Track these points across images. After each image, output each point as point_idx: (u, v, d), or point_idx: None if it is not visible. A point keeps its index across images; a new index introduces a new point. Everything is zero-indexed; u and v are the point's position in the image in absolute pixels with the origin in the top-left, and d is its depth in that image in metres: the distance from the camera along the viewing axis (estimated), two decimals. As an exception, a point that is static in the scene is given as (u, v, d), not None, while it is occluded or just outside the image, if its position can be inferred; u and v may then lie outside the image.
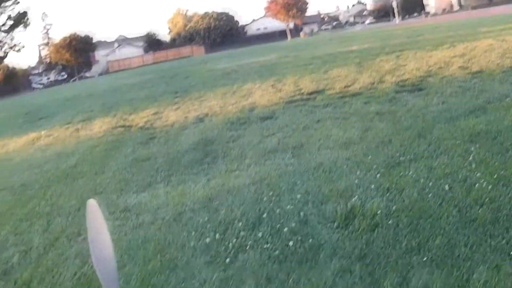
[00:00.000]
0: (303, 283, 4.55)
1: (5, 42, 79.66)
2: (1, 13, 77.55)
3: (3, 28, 78.43)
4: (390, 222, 5.21)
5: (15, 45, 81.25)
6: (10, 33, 79.74)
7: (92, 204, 1.86)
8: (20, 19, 79.79)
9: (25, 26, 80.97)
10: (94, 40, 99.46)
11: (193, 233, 6.04)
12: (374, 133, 8.88)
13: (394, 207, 5.52)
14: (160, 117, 16.21)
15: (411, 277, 4.26)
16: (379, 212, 5.46)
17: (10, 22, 79.15)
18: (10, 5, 78.57)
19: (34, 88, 73.48)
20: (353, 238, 5.11)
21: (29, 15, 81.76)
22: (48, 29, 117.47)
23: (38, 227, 7.58)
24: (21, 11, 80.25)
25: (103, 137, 14.77)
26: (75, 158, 12.53)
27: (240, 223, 6.02)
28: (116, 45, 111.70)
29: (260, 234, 5.62)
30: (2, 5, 76.92)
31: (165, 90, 24.49)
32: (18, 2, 79.34)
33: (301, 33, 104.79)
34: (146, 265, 5.46)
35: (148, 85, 29.63)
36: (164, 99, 20.49)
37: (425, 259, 4.47)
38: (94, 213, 1.87)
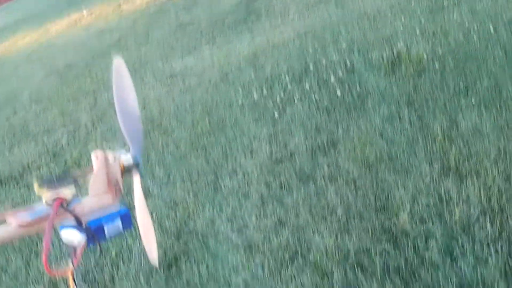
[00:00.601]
0: (353, 131, 4.57)
1: None
2: None
3: None
4: (436, 66, 5.11)
5: None
6: None
7: (118, 63, 1.84)
8: None
9: None
10: None
11: (241, 91, 6.07)
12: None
13: (440, 51, 5.39)
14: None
15: (460, 120, 4.22)
16: (425, 56, 5.35)
17: None
18: None
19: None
20: (401, 83, 5.05)
21: None
22: None
23: (85, 105, 7.72)
24: None
25: (145, 9, 14.64)
26: (119, 33, 12.53)
27: (287, 77, 6.01)
28: None
29: (307, 86, 5.61)
30: None
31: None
32: None
33: None
34: (195, 128, 5.54)
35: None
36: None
37: (473, 101, 4.40)
38: (120, 71, 1.86)
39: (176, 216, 4.28)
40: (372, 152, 4.18)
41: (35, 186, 1.64)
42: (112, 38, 12.08)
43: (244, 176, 4.48)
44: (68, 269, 1.60)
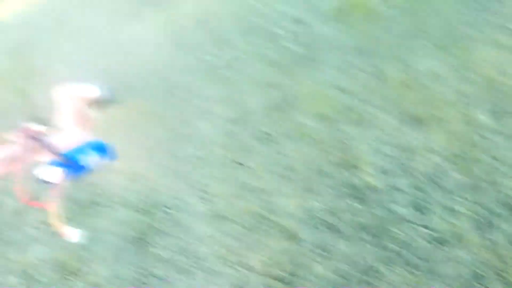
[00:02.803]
0: (306, 84, 4.49)
1: None
2: None
3: None
4: (384, 8, 5.03)
5: None
6: None
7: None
8: None
9: None
10: None
11: (190, 52, 5.91)
12: None
13: (387, -8, 5.31)
14: None
15: (414, 64, 4.17)
16: (372, -1, 5.27)
17: None
18: None
19: None
20: (350, 30, 4.96)
21: None
22: None
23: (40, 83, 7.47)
24: None
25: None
26: (65, 5, 12.15)
27: (233, 32, 5.87)
28: None
29: (254, 40, 5.48)
30: None
31: None
32: None
33: None
34: (148, 94, 5.38)
35: None
36: None
37: (425, 43, 4.35)
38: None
39: (138, 189, 4.18)
40: (327, 104, 4.12)
41: (3, 134, 1.58)
42: (60, 11, 11.70)
43: (202, 140, 4.39)
44: (47, 202, 1.54)
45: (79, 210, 4.19)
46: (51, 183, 1.53)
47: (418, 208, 3.14)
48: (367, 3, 5.22)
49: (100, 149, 1.60)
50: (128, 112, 5.18)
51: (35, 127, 1.56)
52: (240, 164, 3.95)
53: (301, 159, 3.76)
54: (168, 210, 3.83)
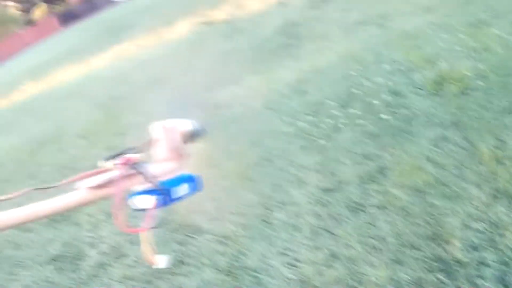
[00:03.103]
0: (400, 156, 4.55)
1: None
2: None
3: None
4: (480, 83, 5.06)
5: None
6: None
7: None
8: None
9: None
10: None
11: (286, 119, 6.09)
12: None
13: (482, 68, 5.33)
14: (241, 7, 15.99)
15: (507, 139, 4.17)
16: (468, 74, 5.31)
17: None
18: None
19: (114, 2, 72.23)
20: (445, 104, 5.02)
21: None
22: None
23: (131, 139, 7.80)
24: None
25: (187, 37, 14.78)
26: (161, 63, 12.65)
27: (331, 102, 6.02)
28: None
29: (352, 111, 5.61)
30: None
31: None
32: None
33: None
34: (242, 159, 5.57)
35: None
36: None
37: (519, 118, 4.36)
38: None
39: (226, 251, 4.32)
40: (420, 177, 4.16)
41: (100, 163, 1.72)
42: (155, 69, 12.21)
43: (293, 207, 4.49)
44: (141, 229, 1.66)
45: (167, 268, 4.37)
46: (145, 210, 1.66)
47: (505, 284, 3.13)
48: (462, 77, 5.26)
49: (191, 181, 1.74)
50: (221, 175, 5.36)
51: (133, 156, 1.72)
52: (331, 233, 4.03)
53: (391, 230, 3.81)
54: (255, 274, 3.93)
